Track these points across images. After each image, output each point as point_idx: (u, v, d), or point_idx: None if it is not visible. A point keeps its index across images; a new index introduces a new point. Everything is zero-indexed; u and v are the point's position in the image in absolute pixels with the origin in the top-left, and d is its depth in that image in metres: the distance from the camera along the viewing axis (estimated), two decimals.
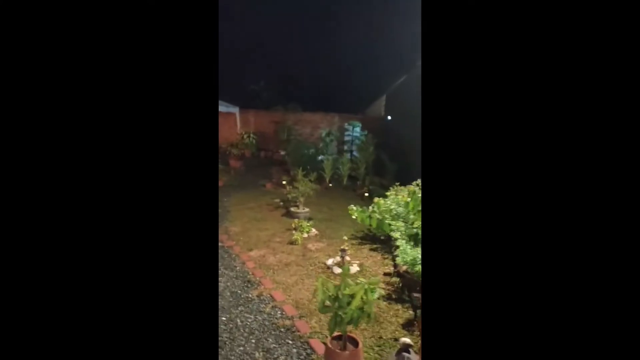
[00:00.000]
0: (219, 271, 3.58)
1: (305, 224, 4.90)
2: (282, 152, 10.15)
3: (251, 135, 10.90)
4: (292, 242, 4.48)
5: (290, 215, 5.69)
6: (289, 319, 2.77)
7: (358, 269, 3.73)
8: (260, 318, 2.77)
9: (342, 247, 3.84)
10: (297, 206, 5.83)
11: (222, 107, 10.35)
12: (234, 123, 11.69)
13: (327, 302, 1.96)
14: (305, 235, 4.74)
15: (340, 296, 1.92)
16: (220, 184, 7.75)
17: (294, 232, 4.83)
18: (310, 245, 4.41)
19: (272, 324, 2.71)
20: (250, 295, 3.11)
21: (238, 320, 2.73)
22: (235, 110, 11.50)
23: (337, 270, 3.66)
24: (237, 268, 3.68)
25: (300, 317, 2.81)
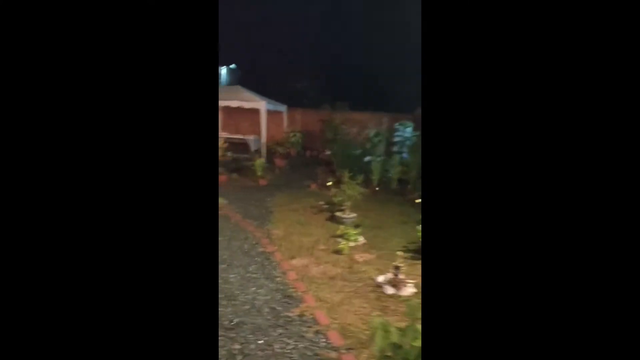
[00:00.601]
0: (259, 281, 3.29)
1: (351, 231, 4.49)
2: (328, 152, 9.81)
3: (297, 133, 10.70)
4: (337, 252, 4.09)
5: (335, 220, 5.31)
6: (335, 350, 2.38)
7: (414, 290, 3.24)
8: (301, 346, 2.41)
9: (395, 264, 3.37)
10: (343, 211, 5.43)
11: (270, 106, 10.23)
12: (281, 121, 11.58)
13: (388, 352, 1.54)
14: (352, 244, 4.33)
15: (406, 346, 1.49)
16: (264, 182, 7.61)
17: (339, 239, 4.44)
18: (357, 256, 3.99)
19: (315, 354, 2.33)
20: (290, 315, 2.76)
21: (276, 346, 2.39)
22: (282, 108, 11.37)
23: (390, 290, 3.20)
24: (278, 279, 3.36)
25: (348, 349, 2.40)
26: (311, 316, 2.75)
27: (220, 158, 8.36)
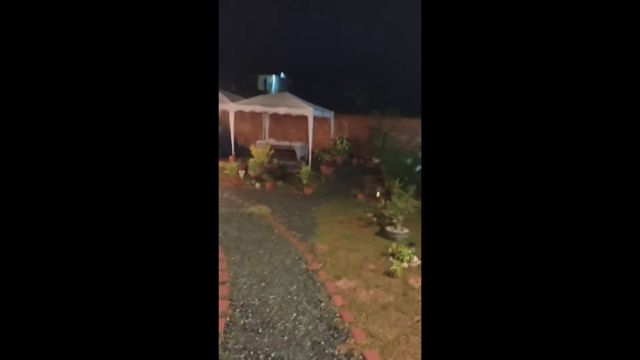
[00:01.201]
0: (301, 306, 2.92)
1: (405, 250, 3.99)
2: (376, 160, 9.33)
3: (344, 140, 10.33)
4: (389, 274, 3.61)
5: (385, 235, 4.83)
6: None
7: None
8: None
9: None
10: (394, 225, 4.94)
11: (317, 112, 9.99)
12: (328, 128, 11.30)
13: None
14: (406, 265, 3.83)
15: None
16: (309, 191, 7.32)
17: (391, 258, 3.96)
18: (412, 281, 3.48)
19: None
20: (336, 353, 2.35)
21: None
22: (330, 115, 11.09)
23: None
24: (322, 304, 2.97)
25: None
26: (361, 357, 2.32)
27: (266, 165, 8.23)
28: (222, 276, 3.32)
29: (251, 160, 8.09)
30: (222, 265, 3.57)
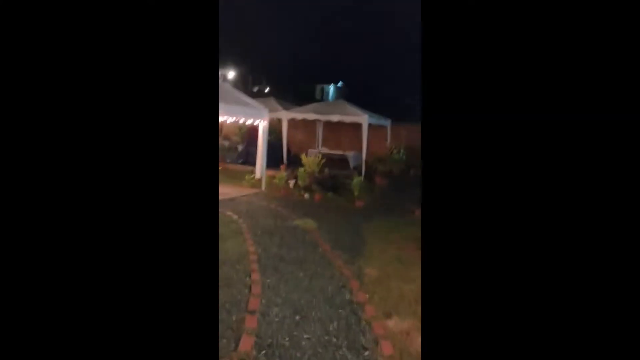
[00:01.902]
0: (340, 352, 2.38)
1: None
2: None
3: (401, 150, 9.60)
4: None
5: None
6: None
7: None
8: None
9: None
10: None
11: (373, 120, 9.41)
12: (384, 137, 10.66)
13: None
14: None
15: None
16: (361, 204, 6.75)
17: None
18: None
19: None
20: None
21: None
22: (386, 123, 10.43)
23: None
24: (367, 353, 2.40)
25: None
26: None
27: (317, 175, 7.84)
28: (253, 303, 2.91)
29: (300, 169, 7.76)
30: (255, 288, 3.17)
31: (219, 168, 8.77)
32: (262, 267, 3.66)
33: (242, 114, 6.68)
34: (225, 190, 7.16)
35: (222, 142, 14.71)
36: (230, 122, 11.70)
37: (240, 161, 10.23)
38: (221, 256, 3.75)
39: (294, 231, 4.98)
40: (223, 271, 3.42)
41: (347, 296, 3.18)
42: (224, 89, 6.80)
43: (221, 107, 6.14)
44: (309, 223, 5.38)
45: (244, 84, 21.69)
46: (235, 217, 5.42)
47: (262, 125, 7.43)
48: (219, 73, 20.54)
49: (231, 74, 21.34)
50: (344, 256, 4.14)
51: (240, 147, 11.24)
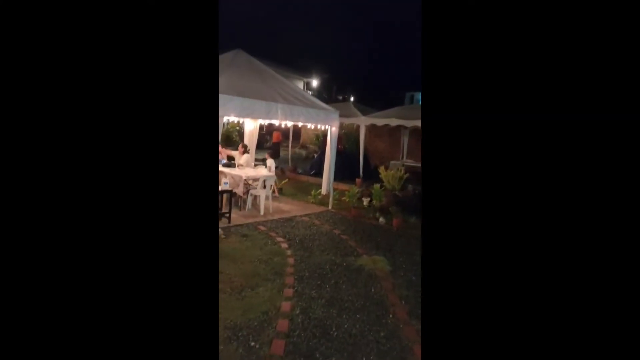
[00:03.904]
0: None
1: None
2: None
3: None
4: None
5: None
6: None
7: None
8: None
9: None
10: None
11: None
12: None
13: None
14: None
15: None
16: None
17: None
18: None
19: None
20: None
21: None
22: None
23: None
24: None
25: None
26: None
27: (397, 193, 6.25)
28: None
29: (376, 185, 6.27)
30: None
31: (286, 180, 7.84)
32: (293, 342, 2.32)
33: (303, 117, 5.54)
34: (285, 207, 6.08)
35: (299, 151, 14.03)
36: (309, 128, 10.85)
37: (312, 172, 9.17)
38: (239, 314, 2.53)
39: (357, 275, 3.54)
40: (229, 351, 2.17)
41: None
42: (284, 87, 5.75)
43: (274, 107, 5.08)
44: (380, 263, 3.89)
45: (327, 92, 21.03)
46: (284, 245, 4.22)
47: (331, 131, 6.20)
48: (303, 81, 20.29)
49: (315, 82, 20.89)
50: (408, 307, 2.56)
51: (316, 157, 10.21)
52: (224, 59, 5.70)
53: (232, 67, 5.30)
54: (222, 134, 12.65)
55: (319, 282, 3.28)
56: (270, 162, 6.29)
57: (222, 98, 4.43)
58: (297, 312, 2.71)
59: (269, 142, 12.68)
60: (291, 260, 3.77)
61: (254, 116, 5.07)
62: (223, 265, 3.42)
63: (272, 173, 5.97)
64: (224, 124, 13.37)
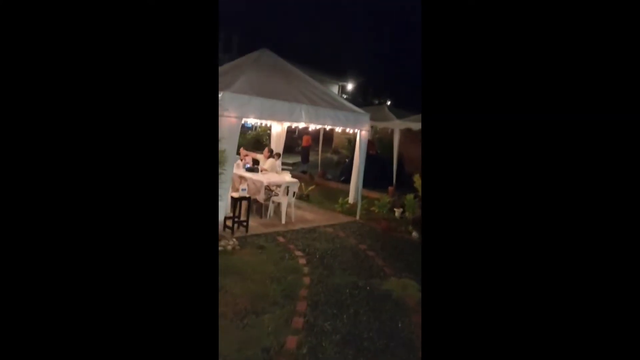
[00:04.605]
0: None
1: None
2: None
3: None
4: None
5: None
6: None
7: None
8: None
9: None
10: None
11: None
12: None
13: None
14: None
15: None
16: None
17: None
18: None
19: None
20: None
21: None
22: None
23: None
24: None
25: None
26: None
27: None
28: None
29: (410, 195, 5.68)
30: None
31: (314, 186, 7.44)
32: None
33: (330, 119, 5.10)
34: (309, 216, 5.66)
35: (331, 156, 13.60)
36: (341, 133, 10.41)
37: (342, 178, 8.70)
38: (234, 349, 2.13)
39: (382, 303, 3.03)
40: None
41: None
42: (310, 88, 5.35)
43: (298, 108, 4.68)
44: (410, 288, 3.34)
45: (363, 96, 20.48)
46: (302, 261, 3.79)
47: (361, 135, 5.71)
48: (338, 85, 19.89)
49: (350, 86, 20.42)
50: None
51: (347, 162, 9.73)
52: (247, 59, 5.42)
53: (254, 67, 4.99)
54: (252, 138, 12.62)
55: (335, 311, 2.80)
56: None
57: (240, 99, 4.11)
58: (305, 351, 2.25)
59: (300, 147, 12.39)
60: (307, 280, 3.33)
61: (275, 118, 4.70)
62: (230, 283, 3.05)
63: (295, 180, 5.58)
64: (254, 127, 13.32)
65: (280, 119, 4.87)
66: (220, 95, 3.97)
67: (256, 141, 10.97)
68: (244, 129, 14.18)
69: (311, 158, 11.47)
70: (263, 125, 9.92)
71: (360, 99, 19.57)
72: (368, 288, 3.30)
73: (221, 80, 4.57)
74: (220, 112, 3.96)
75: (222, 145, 3.99)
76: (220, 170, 4.04)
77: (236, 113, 4.08)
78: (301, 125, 5.16)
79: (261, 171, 5.63)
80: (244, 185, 4.69)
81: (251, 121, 8.04)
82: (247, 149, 6.92)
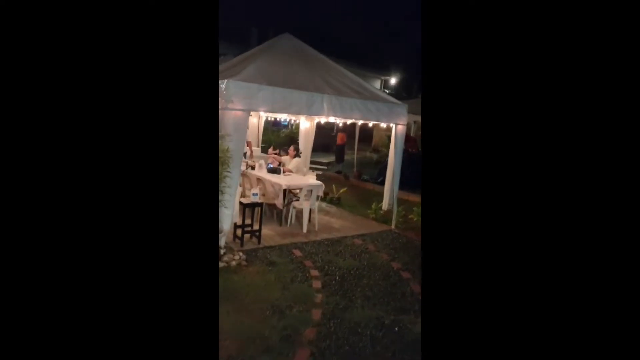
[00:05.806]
0: None
1: None
2: None
3: None
4: None
5: None
6: None
7: None
8: None
9: None
10: None
11: None
12: None
13: None
14: None
15: None
16: None
17: None
18: None
19: None
20: None
21: None
22: None
23: None
24: None
25: None
26: None
27: None
28: None
29: None
30: None
31: (345, 188, 6.69)
32: None
33: (358, 111, 4.31)
34: (336, 224, 4.93)
35: (370, 154, 12.69)
36: (381, 129, 9.53)
37: (380, 179, 7.84)
38: None
39: (414, 353, 2.22)
40: None
41: None
42: (336, 75, 4.59)
43: (319, 99, 3.96)
44: None
45: (407, 91, 19.22)
46: (316, 285, 3.08)
47: (396, 129, 4.86)
48: (380, 79, 18.83)
49: (393, 80, 19.27)
50: None
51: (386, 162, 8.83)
52: (264, 45, 4.81)
53: (269, 53, 4.36)
54: (286, 136, 12.05)
55: (356, 342, 2.06)
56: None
57: (247, 88, 3.49)
58: None
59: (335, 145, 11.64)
60: (317, 315, 2.61)
61: (291, 111, 4.02)
62: (221, 314, 2.43)
63: (319, 182, 4.87)
64: (289, 125, 12.73)
65: (296, 112, 4.17)
66: (223, 85, 3.37)
67: (290, 139, 10.40)
68: (279, 127, 13.71)
69: (347, 157, 10.68)
70: (297, 122, 9.34)
71: (405, 93, 18.35)
72: (396, 329, 2.51)
73: (232, 70, 4.00)
74: (223, 105, 3.38)
75: (226, 143, 3.40)
76: (224, 173, 3.46)
77: (242, 105, 3.46)
78: (323, 119, 4.43)
79: (284, 172, 5.01)
80: (255, 190, 4.08)
81: (281, 117, 7.50)
82: (277, 149, 6.38)
